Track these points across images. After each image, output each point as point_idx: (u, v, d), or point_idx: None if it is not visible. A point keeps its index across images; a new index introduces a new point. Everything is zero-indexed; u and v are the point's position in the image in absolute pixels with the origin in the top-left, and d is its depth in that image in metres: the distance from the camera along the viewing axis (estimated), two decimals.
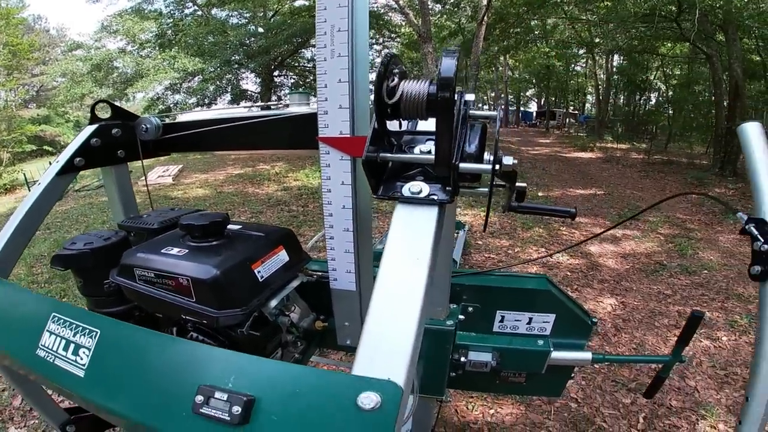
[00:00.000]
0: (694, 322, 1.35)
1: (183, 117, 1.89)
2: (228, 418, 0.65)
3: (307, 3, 21.82)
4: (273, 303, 1.15)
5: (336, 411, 0.61)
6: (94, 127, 1.60)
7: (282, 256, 1.21)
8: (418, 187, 0.78)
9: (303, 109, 1.45)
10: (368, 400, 0.59)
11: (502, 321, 1.54)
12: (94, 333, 0.88)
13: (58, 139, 31.63)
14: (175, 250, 1.11)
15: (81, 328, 0.90)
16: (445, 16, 21.25)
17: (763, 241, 0.81)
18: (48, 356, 0.93)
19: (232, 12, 23.26)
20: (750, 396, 0.84)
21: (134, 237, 1.40)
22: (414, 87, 0.83)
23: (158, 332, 0.90)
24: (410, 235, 0.76)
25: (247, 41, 22.60)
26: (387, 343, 0.65)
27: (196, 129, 1.69)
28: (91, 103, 1.73)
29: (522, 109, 47.55)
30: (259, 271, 1.12)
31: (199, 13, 23.01)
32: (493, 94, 47.15)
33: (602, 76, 28.27)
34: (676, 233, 6.88)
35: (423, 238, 0.75)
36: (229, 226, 1.24)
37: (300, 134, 1.42)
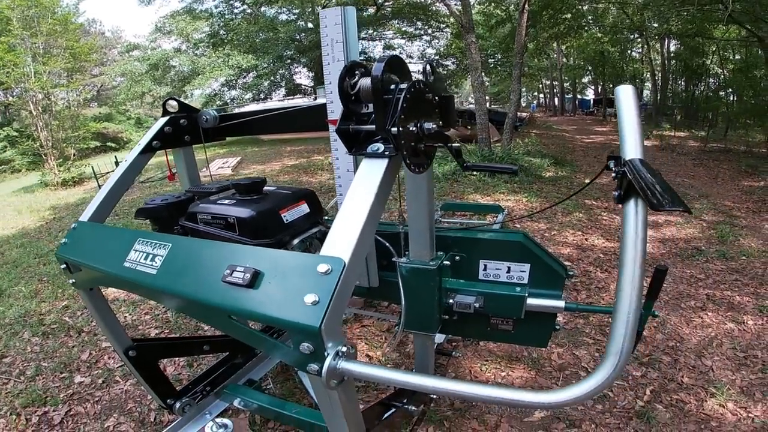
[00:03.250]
0: (659, 275, 1.50)
1: (235, 110, 2.37)
2: (242, 282, 1.09)
3: None
4: (296, 241, 1.59)
5: (305, 274, 1.05)
6: (166, 118, 2.09)
7: (304, 208, 1.68)
8: (377, 146, 1.20)
9: (322, 100, 1.85)
10: (323, 267, 1.03)
11: (485, 269, 1.86)
12: (167, 246, 1.34)
13: (120, 135, 32.98)
14: (226, 201, 1.59)
15: (159, 244, 1.36)
16: (493, 4, 21.06)
17: (614, 171, 1.08)
18: (132, 266, 1.40)
19: (281, 9, 23.75)
20: (615, 310, 1.02)
21: (197, 198, 1.87)
22: (366, 82, 1.24)
23: (208, 240, 1.36)
24: (368, 175, 1.18)
25: (298, 37, 23.12)
26: (340, 237, 1.09)
27: (246, 118, 2.17)
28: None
29: (579, 96, 46.10)
30: (285, 216, 1.58)
31: (249, 11, 23.64)
32: (548, 82, 46.19)
33: (658, 61, 27.28)
34: (720, 220, 6.77)
35: (375, 176, 1.16)
36: (266, 187, 1.71)
37: (320, 119, 1.79)
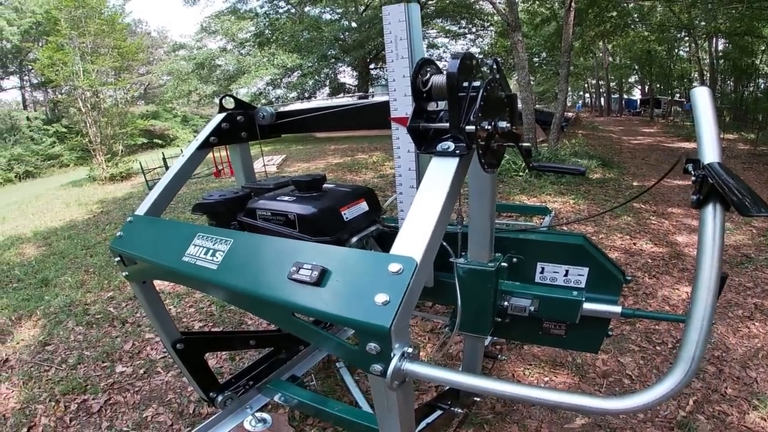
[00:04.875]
0: (719, 282, 1.53)
1: (291, 107, 2.39)
2: (309, 280, 1.09)
3: None
4: (354, 239, 1.59)
5: (375, 273, 1.04)
6: (223, 114, 2.13)
7: (363, 206, 1.68)
8: (447, 145, 1.19)
9: (382, 98, 1.84)
10: (394, 267, 1.01)
11: (542, 272, 1.82)
12: (229, 241, 1.35)
13: (167, 132, 33.93)
14: (286, 198, 1.61)
15: (219, 239, 1.38)
16: (537, 2, 20.81)
17: (694, 175, 1.04)
18: (191, 260, 1.41)
19: (325, 8, 23.99)
20: (689, 315, 0.99)
21: (254, 194, 1.89)
22: (439, 79, 1.23)
23: (271, 237, 1.37)
24: (438, 174, 1.16)
25: (342, 36, 23.33)
26: (412, 236, 1.07)
27: (302, 116, 2.19)
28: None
29: (626, 96, 45.15)
30: (345, 214, 1.58)
31: (293, 11, 23.96)
32: (594, 81, 45.37)
33: (706, 60, 26.43)
34: None
35: (446, 176, 1.15)
36: (325, 185, 1.72)
37: (379, 117, 1.79)
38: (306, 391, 2.49)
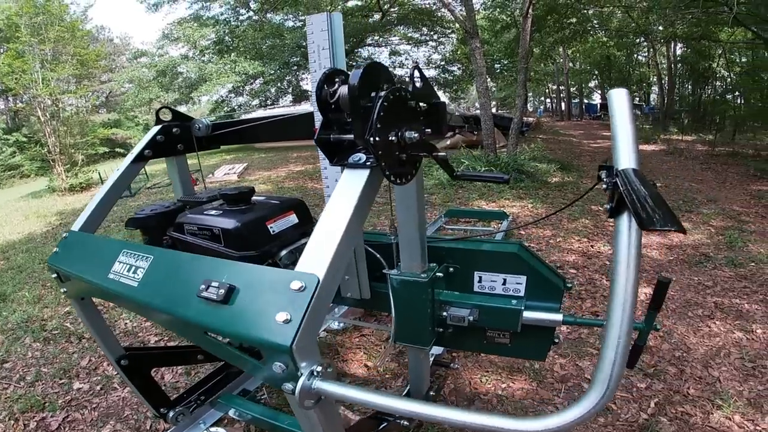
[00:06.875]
0: (662, 287, 1.44)
1: (242, 116, 2.38)
2: (216, 298, 1.06)
3: (360, 3, 22.18)
4: (283, 253, 1.56)
5: (277, 291, 1.01)
6: (158, 127, 2.09)
7: (292, 219, 1.65)
8: (358, 157, 1.17)
9: (310, 108, 1.83)
10: (295, 284, 0.99)
11: (480, 281, 1.82)
12: (149, 258, 1.31)
13: (128, 141, 33.18)
14: (213, 212, 1.58)
15: (141, 256, 1.34)
16: (498, 9, 21.09)
17: (605, 182, 1.01)
18: (115, 277, 1.38)
19: (287, 16, 23.85)
20: (604, 333, 0.96)
21: (189, 208, 1.85)
22: (344, 90, 1.19)
23: (187, 253, 1.34)
24: (348, 187, 1.14)
25: (304, 43, 23.17)
26: (316, 252, 1.05)
27: (237, 127, 2.16)
28: (158, 107, 2.23)
29: (586, 101, 45.98)
30: (271, 227, 1.56)
31: (255, 18, 23.75)
32: (554, 87, 46.09)
33: (664, 64, 27.18)
34: (729, 225, 6.63)
35: (356, 188, 1.13)
36: (256, 197, 1.69)
37: (309, 127, 1.78)
38: (258, 406, 2.47)
